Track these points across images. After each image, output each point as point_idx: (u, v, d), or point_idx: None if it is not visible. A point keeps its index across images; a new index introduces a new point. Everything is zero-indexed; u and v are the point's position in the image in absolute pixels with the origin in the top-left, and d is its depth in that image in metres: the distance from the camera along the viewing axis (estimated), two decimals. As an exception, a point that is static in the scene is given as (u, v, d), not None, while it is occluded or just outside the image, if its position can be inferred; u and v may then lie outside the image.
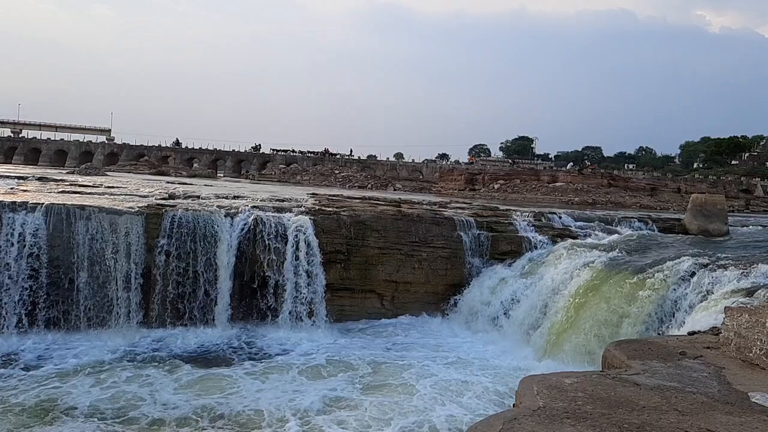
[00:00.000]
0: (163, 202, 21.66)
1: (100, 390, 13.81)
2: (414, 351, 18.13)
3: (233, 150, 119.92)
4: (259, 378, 15.25)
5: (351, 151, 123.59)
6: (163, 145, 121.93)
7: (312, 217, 21.21)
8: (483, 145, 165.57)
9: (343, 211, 22.71)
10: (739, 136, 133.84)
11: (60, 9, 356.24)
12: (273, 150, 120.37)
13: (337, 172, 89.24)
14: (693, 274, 16.06)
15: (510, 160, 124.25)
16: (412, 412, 13.29)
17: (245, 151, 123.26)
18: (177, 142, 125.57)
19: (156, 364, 15.99)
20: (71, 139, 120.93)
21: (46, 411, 12.54)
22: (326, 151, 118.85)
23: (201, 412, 12.89)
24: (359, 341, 19.01)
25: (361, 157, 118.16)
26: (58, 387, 13.87)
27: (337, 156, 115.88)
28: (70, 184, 27.25)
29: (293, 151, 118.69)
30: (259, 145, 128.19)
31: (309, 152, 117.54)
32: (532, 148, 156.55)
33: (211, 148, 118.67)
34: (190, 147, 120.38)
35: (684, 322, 13.85)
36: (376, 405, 13.66)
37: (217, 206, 21.33)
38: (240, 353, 17.48)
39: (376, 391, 14.66)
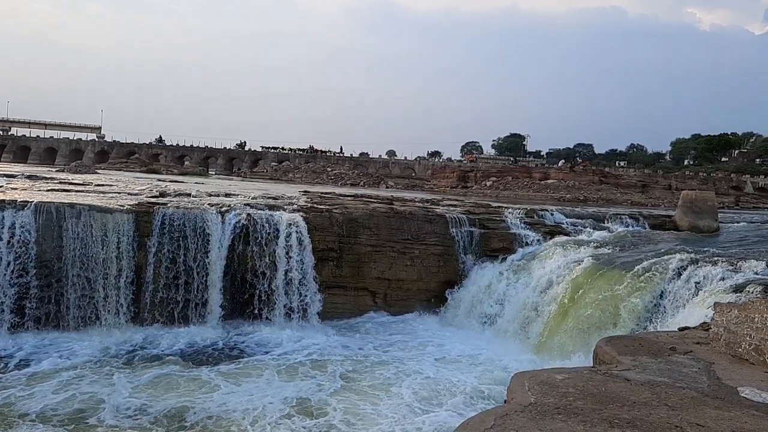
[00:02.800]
0: (153, 200, 21.54)
1: (63, 393, 13.36)
2: (403, 349, 18.07)
3: (225, 147, 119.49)
4: (234, 379, 14.87)
5: (341, 148, 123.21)
6: (153, 143, 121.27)
7: (304, 215, 21.17)
8: (475, 142, 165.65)
9: (336, 208, 22.67)
10: (729, 133, 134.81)
11: (53, 7, 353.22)
12: (263, 147, 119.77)
13: (329, 169, 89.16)
14: (683, 270, 16.17)
15: (512, 158, 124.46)
16: (388, 421, 12.58)
17: (236, 148, 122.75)
18: (160, 140, 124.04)
19: (135, 365, 15.61)
20: (61, 137, 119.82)
21: (3, 416, 12.16)
22: (311, 148, 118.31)
23: (160, 419, 12.38)
24: (348, 339, 18.94)
25: (354, 155, 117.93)
26: (23, 390, 13.44)
27: (328, 153, 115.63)
28: (60, 182, 27.04)
29: (283, 148, 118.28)
30: (245, 142, 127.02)
31: (299, 150, 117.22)
32: (524, 145, 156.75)
33: (203, 146, 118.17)
34: (181, 144, 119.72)
35: (674, 318, 13.95)
36: (344, 411, 13.01)
37: (209, 204, 21.24)
38: (224, 353, 17.28)
39: (351, 394, 14.13)
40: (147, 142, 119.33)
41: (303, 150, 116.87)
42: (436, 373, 15.71)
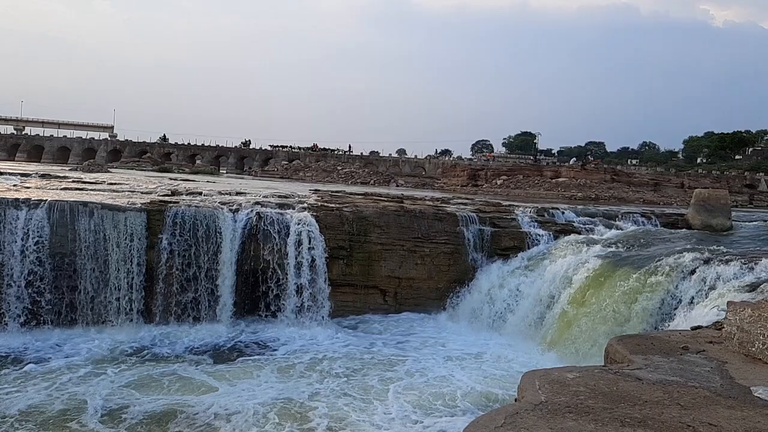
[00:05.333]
0: (165, 198, 21.70)
1: (53, 393, 13.30)
2: (411, 347, 18.02)
3: (236, 146, 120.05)
4: (230, 380, 14.69)
5: (350, 147, 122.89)
6: (163, 141, 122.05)
7: (314, 213, 21.22)
8: (486, 140, 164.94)
9: (346, 207, 22.71)
10: (742, 131, 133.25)
11: (64, 6, 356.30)
12: (272, 146, 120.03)
13: (339, 168, 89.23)
14: (696, 269, 16.03)
15: (531, 156, 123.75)
16: (389, 421, 12.25)
17: (241, 146, 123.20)
18: (164, 138, 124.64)
19: (135, 364, 15.57)
20: (74, 136, 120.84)
21: None
22: (315, 146, 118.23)
23: (137, 424, 12.12)
24: (357, 338, 18.95)
25: (364, 153, 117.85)
26: (14, 389, 13.38)
27: (337, 151, 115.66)
28: (73, 181, 27.31)
29: (292, 147, 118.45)
30: (249, 140, 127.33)
31: (310, 149, 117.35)
32: (535, 143, 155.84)
33: (214, 145, 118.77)
34: (192, 143, 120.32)
35: (687, 317, 13.85)
36: (330, 417, 12.59)
37: (220, 202, 21.36)
38: (230, 351, 17.29)
39: (343, 397, 13.78)
40: (158, 141, 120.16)
41: (308, 148, 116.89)
42: (445, 372, 15.63)
